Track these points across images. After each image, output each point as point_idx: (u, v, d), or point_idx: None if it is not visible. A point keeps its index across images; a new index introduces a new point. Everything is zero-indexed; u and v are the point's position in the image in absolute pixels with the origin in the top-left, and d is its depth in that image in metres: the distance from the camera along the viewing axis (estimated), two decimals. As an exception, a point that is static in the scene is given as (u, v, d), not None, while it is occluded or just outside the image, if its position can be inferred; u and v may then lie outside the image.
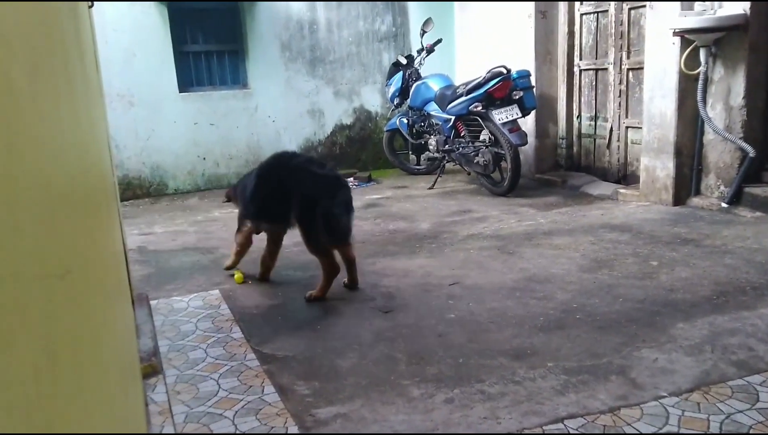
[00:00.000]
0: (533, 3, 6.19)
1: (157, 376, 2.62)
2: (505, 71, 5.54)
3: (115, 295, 1.78)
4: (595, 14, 5.95)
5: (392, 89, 6.76)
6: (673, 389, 2.29)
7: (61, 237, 0.96)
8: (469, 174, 6.43)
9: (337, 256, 3.48)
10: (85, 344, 1.03)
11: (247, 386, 2.49)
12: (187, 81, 6.88)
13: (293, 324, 3.15)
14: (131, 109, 6.57)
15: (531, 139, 6.20)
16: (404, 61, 6.70)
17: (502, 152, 5.57)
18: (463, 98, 5.74)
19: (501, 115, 5.51)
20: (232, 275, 3.87)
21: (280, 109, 7.19)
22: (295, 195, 3.38)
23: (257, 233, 3.84)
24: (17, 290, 0.66)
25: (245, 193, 3.69)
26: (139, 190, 6.78)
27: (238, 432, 2.16)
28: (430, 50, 6.66)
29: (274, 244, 3.80)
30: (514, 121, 5.53)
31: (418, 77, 6.59)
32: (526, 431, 2.07)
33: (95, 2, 2.91)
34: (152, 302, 3.51)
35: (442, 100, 6.08)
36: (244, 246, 3.87)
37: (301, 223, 3.40)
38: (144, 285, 3.85)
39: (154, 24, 6.57)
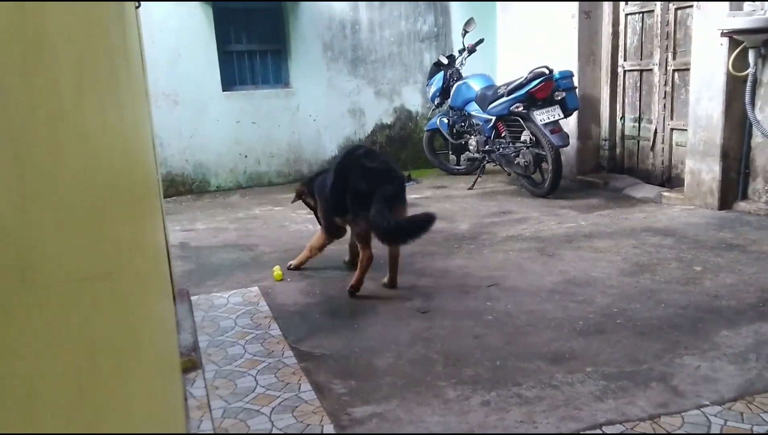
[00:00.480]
0: (577, 3, 6.10)
1: (197, 371, 2.68)
2: (547, 71, 5.48)
3: (156, 293, 1.83)
4: (641, 14, 5.83)
5: (433, 89, 6.75)
6: (716, 398, 2.23)
7: (105, 237, 0.99)
8: (509, 175, 6.38)
9: (380, 249, 3.52)
10: (126, 342, 1.06)
11: (285, 383, 2.53)
12: (230, 80, 7.00)
13: (330, 322, 3.18)
14: (176, 107, 6.71)
15: (573, 140, 6.11)
16: (445, 61, 6.67)
17: (543, 153, 5.50)
18: (504, 98, 5.69)
19: (542, 116, 5.45)
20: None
21: (321, 108, 7.25)
22: (348, 187, 3.53)
23: (339, 237, 3.93)
24: (62, 291, 0.68)
25: (322, 196, 3.82)
26: (182, 187, 6.93)
27: (274, 430, 2.19)
28: (471, 50, 6.63)
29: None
30: (556, 122, 5.46)
31: (459, 77, 6.56)
32: (563, 437, 2.05)
33: (142, 2, 2.98)
34: (193, 298, 3.59)
35: (483, 101, 6.05)
36: (317, 250, 3.94)
37: (352, 213, 3.54)
38: (185, 281, 3.93)
39: (200, 24, 6.70)
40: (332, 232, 3.90)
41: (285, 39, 7.07)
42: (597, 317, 3.02)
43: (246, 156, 7.08)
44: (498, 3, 7.34)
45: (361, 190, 3.47)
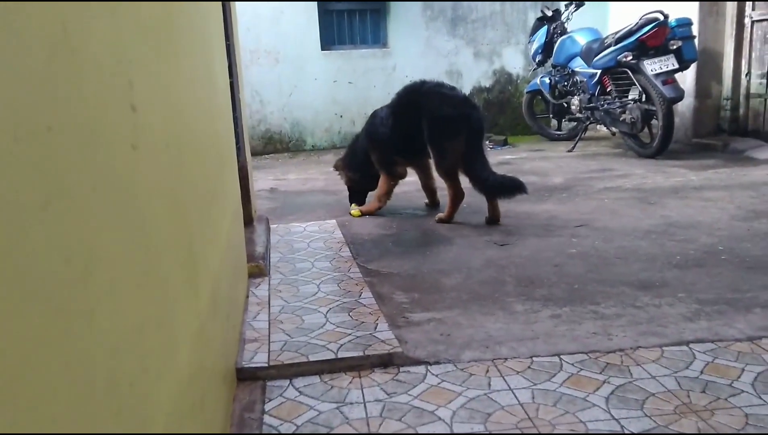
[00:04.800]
0: (700, -53, 5.55)
1: (263, 277, 2.65)
2: (661, 17, 5.01)
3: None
4: (776, -45, 5.21)
5: (535, 45, 6.39)
6: (837, 327, 1.89)
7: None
8: (613, 135, 5.94)
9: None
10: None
11: (346, 291, 2.43)
12: (329, 39, 7.02)
13: (402, 249, 3.06)
14: (277, 65, 6.83)
15: (690, 99, 5.60)
16: (550, 14, 6.28)
17: (653, 109, 5.05)
18: (612, 48, 5.27)
19: (654, 66, 4.99)
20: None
21: (418, 68, 7.07)
22: (425, 118, 3.41)
23: (403, 177, 3.83)
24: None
25: (377, 139, 3.70)
26: (279, 145, 7.04)
27: (327, 325, 2.10)
28: (579, 4, 6.20)
29: (426, 174, 3.88)
30: (670, 72, 4.98)
31: (564, 32, 6.17)
32: (642, 349, 1.80)
33: None
34: (272, 226, 3.59)
35: (588, 54, 5.65)
36: (385, 197, 3.78)
37: (432, 145, 3.43)
38: (269, 215, 3.94)
39: (303, -16, 6.76)
40: (395, 173, 3.76)
41: (385, -3, 6.99)
42: (698, 253, 2.68)
43: (341, 116, 7.09)
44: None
45: (444, 119, 3.34)
